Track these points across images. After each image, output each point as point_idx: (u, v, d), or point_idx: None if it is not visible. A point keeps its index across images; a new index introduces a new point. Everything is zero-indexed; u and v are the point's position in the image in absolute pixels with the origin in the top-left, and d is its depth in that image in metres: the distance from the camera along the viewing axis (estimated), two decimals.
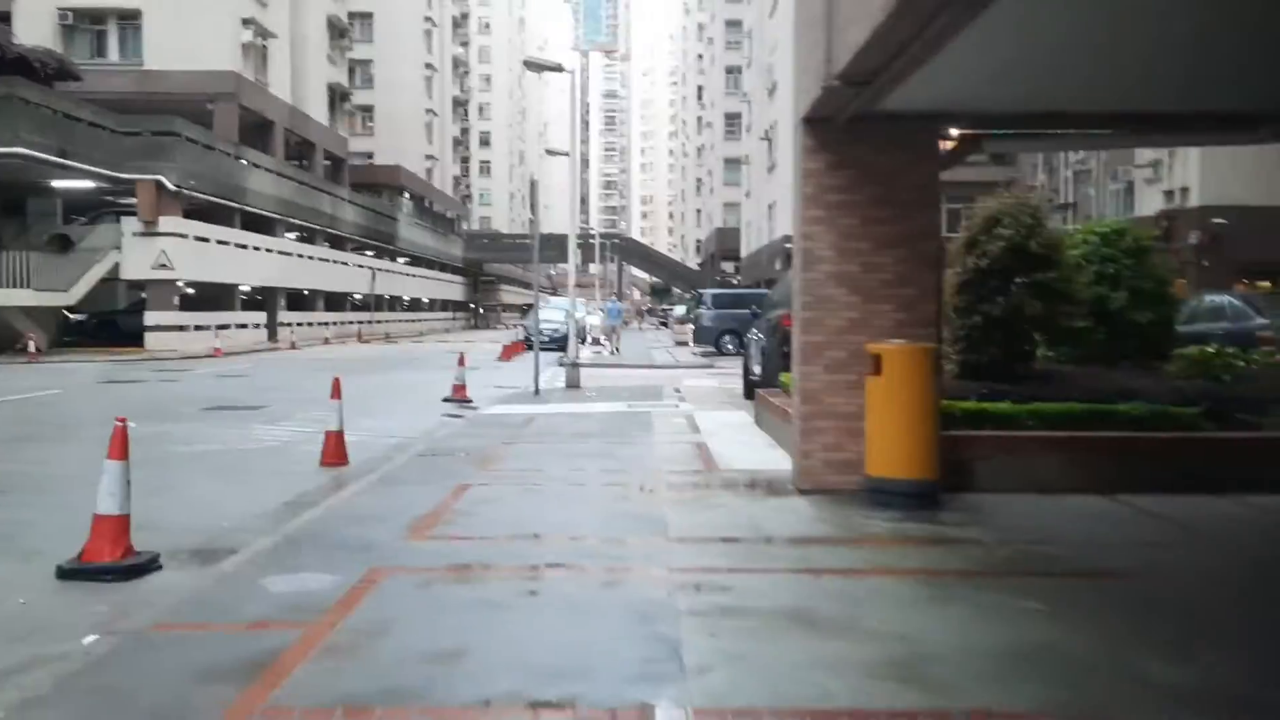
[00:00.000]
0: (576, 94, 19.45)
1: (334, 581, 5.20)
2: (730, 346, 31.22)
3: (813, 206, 7.66)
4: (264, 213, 38.43)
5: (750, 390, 16.08)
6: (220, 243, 34.47)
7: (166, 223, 31.17)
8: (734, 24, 66.29)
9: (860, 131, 7.54)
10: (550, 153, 32.46)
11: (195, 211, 34.12)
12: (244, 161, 36.76)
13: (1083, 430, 7.96)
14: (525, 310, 52.61)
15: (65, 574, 5.40)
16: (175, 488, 8.51)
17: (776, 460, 9.30)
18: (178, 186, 31.43)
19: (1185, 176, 29.73)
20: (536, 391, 16.57)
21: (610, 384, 19.12)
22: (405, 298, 61.65)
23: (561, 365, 21.99)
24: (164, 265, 30.97)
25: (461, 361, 16.26)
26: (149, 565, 5.51)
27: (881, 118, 7.33)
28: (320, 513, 7.09)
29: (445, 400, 15.95)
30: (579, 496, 7.67)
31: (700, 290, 37.13)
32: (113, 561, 5.41)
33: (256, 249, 37.68)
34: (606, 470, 8.85)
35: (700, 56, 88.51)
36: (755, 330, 15.80)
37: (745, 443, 10.60)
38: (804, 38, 7.41)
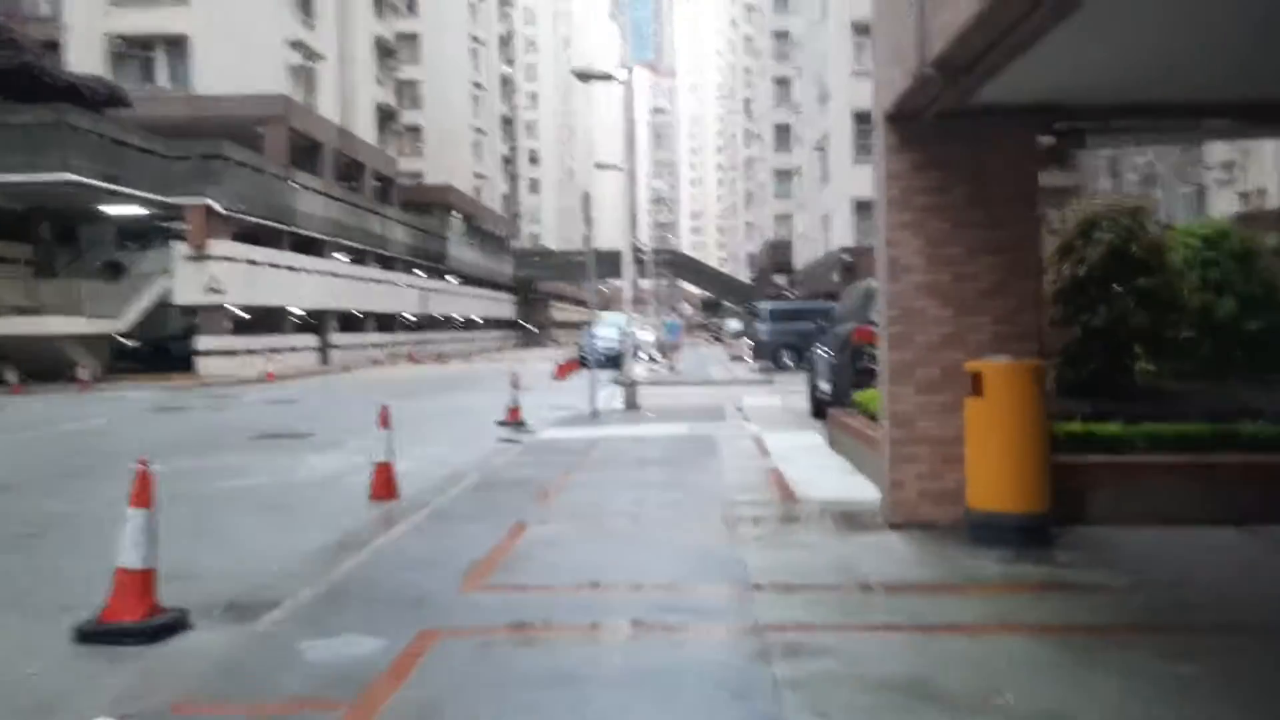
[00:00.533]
0: (630, 102, 18.91)
1: (380, 647, 4.58)
2: (789, 362, 30.43)
3: (899, 211, 6.94)
4: (314, 234, 38.47)
5: (818, 409, 15.32)
6: (271, 265, 34.50)
7: (216, 246, 31.20)
8: (782, 35, 65.54)
9: (951, 127, 6.82)
10: (600, 166, 32.00)
11: (245, 235, 34.18)
12: (293, 184, 36.82)
13: (1204, 454, 7.12)
14: (580, 327, 52.06)
15: (84, 636, 4.86)
16: (215, 529, 8.01)
17: (859, 488, 8.56)
18: (227, 210, 31.47)
19: (1261, 177, 28.36)
20: (594, 414, 15.97)
21: (669, 403, 18.45)
22: (457, 317, 61.63)
23: (618, 384, 21.42)
24: (214, 290, 30.98)
25: (516, 384, 15.72)
26: (176, 625, 4.95)
27: (976, 112, 6.60)
28: (367, 556, 6.50)
29: (499, 424, 15.39)
30: (646, 535, 7.01)
31: (756, 304, 36.34)
32: (136, 622, 4.85)
33: (307, 271, 37.69)
34: (674, 502, 8.18)
35: (748, 70, 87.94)
36: (822, 345, 15.05)
37: (821, 467, 9.87)
38: (887, 24, 6.72)
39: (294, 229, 36.75)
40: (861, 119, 36.71)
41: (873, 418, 9.82)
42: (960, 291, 6.92)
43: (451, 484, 9.65)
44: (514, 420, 15.49)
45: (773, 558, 6.20)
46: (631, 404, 17.33)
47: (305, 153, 39.64)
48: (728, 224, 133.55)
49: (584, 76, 17.86)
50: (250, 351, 32.96)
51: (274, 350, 34.48)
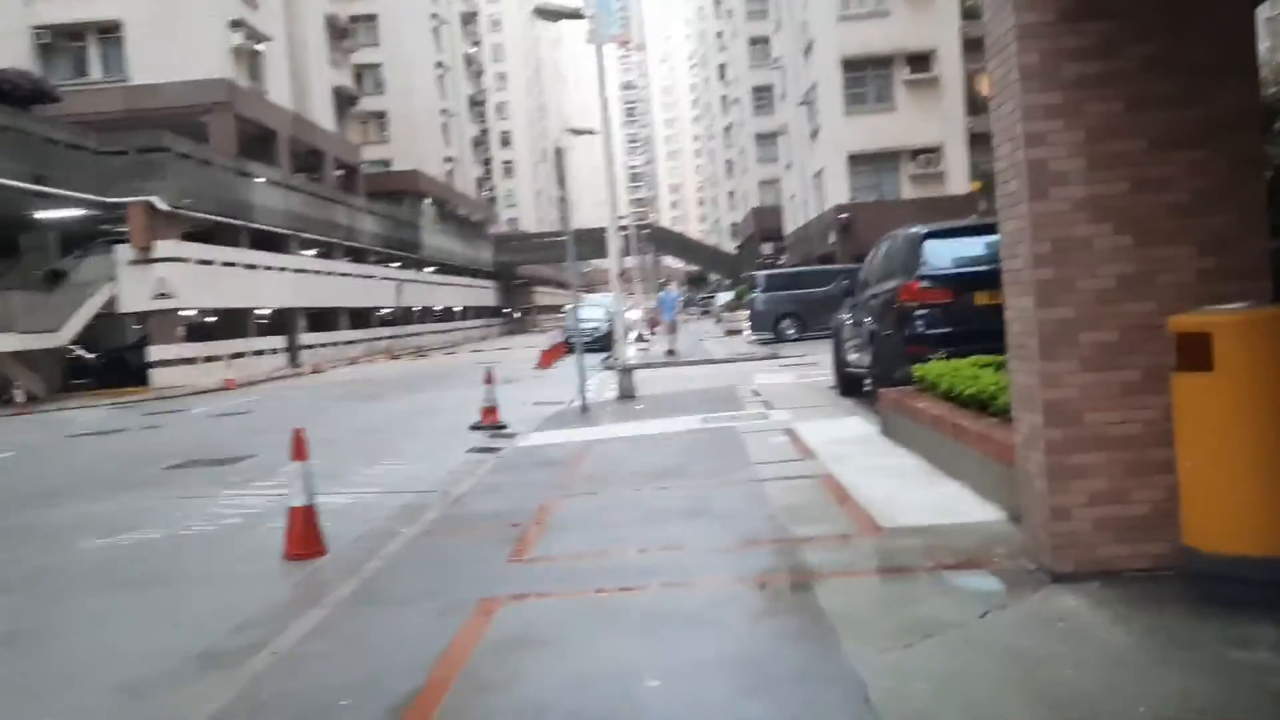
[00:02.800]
0: (602, 64, 16.37)
1: None
2: (791, 331, 28.04)
3: (1041, 88, 4.45)
4: (274, 229, 35.73)
5: (848, 385, 12.91)
6: (227, 265, 31.81)
7: (163, 247, 28.49)
8: None
9: None
10: (575, 131, 29.32)
11: (199, 234, 31.52)
12: (246, 175, 34.03)
13: None
14: (563, 311, 49.27)
15: None
16: (39, 630, 5.51)
17: (959, 502, 6.12)
18: (173, 207, 28.73)
19: None
20: (584, 408, 13.47)
21: (670, 388, 15.99)
22: (436, 308, 58.92)
23: (609, 369, 18.98)
24: (164, 294, 28.29)
25: (489, 379, 13.22)
26: None
27: None
28: (235, 696, 4.02)
29: (473, 428, 12.94)
30: (680, 611, 4.54)
31: (752, 272, 33.87)
32: None
33: (269, 269, 35.01)
34: (708, 543, 5.72)
35: (720, 34, 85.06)
36: (850, 310, 12.58)
37: (890, 471, 7.41)
38: None
39: (251, 224, 34.00)
40: (851, 67, 34.07)
41: (954, 399, 7.38)
42: (1145, 208, 4.45)
43: (404, 521, 7.19)
44: (490, 423, 13.03)
45: (901, 667, 3.73)
46: (627, 393, 14.85)
47: (258, 142, 36.81)
48: (708, 195, 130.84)
49: (548, 15, 15.32)
50: (210, 358, 30.32)
51: (236, 355, 31.86)
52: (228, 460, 11.93)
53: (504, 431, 12.59)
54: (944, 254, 9.86)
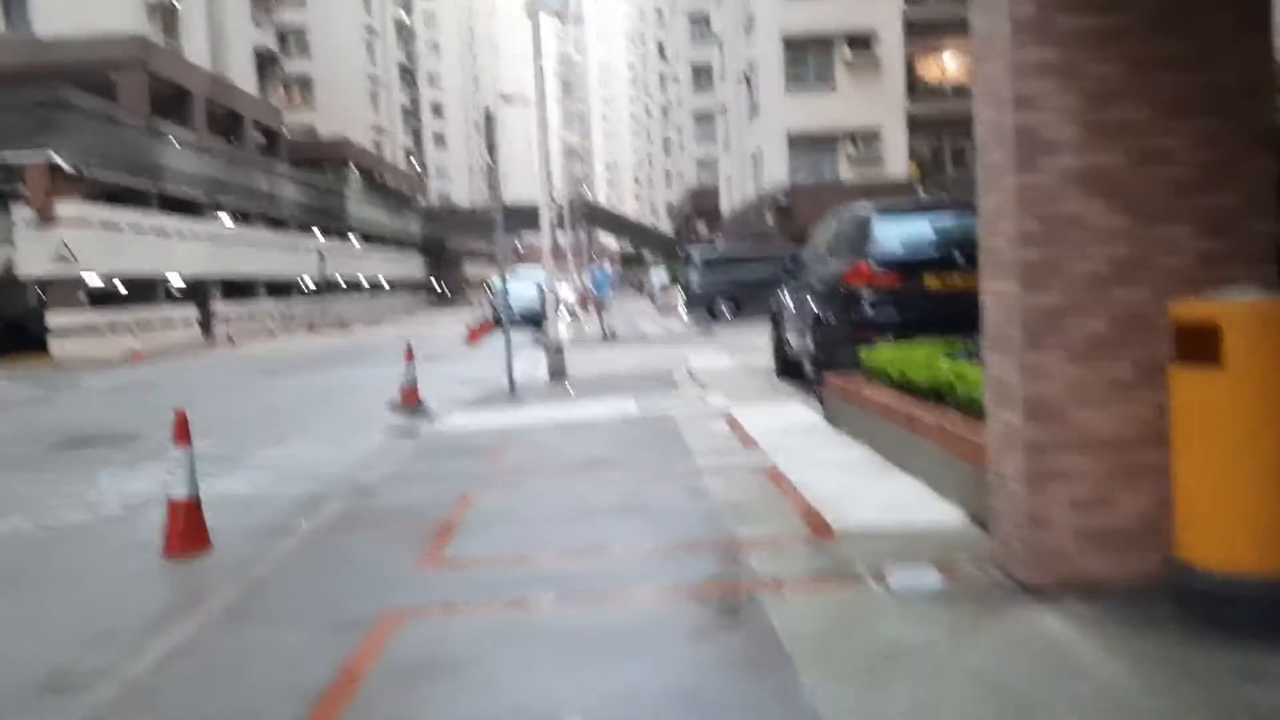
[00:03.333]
0: (537, 26, 15.58)
1: None
2: (726, 313, 27.61)
3: (1035, 43, 3.92)
4: (188, 194, 34.09)
5: (786, 367, 12.46)
6: (135, 229, 30.18)
7: (65, 208, 26.84)
8: None
9: None
10: (505, 98, 28.36)
11: (108, 196, 29.86)
12: (158, 136, 32.32)
13: None
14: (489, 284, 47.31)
15: None
16: None
17: (914, 498, 5.65)
18: (76, 167, 27.09)
19: None
20: (512, 389, 12.78)
21: (603, 369, 15.38)
22: (363, 280, 57.30)
23: (538, 344, 18.30)
24: (65, 258, 26.69)
25: (409, 355, 12.45)
26: None
27: None
28: None
29: (391, 409, 12.18)
30: (611, 630, 3.95)
31: (688, 250, 33.35)
32: None
33: (182, 235, 33.38)
34: (643, 546, 5.14)
35: (659, 10, 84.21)
36: (791, 291, 12.11)
37: (837, 464, 6.91)
38: None
39: (163, 188, 32.35)
40: (792, 45, 33.63)
41: (905, 388, 6.91)
42: (1144, 182, 3.95)
43: (304, 513, 6.48)
44: (410, 403, 12.28)
45: (869, 706, 3.19)
46: (558, 372, 14.20)
47: (172, 103, 35.01)
48: (644, 175, 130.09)
49: None
50: (116, 328, 28.77)
51: (144, 325, 30.31)
52: (116, 440, 10.99)
53: (424, 413, 11.87)
54: (894, 235, 9.41)
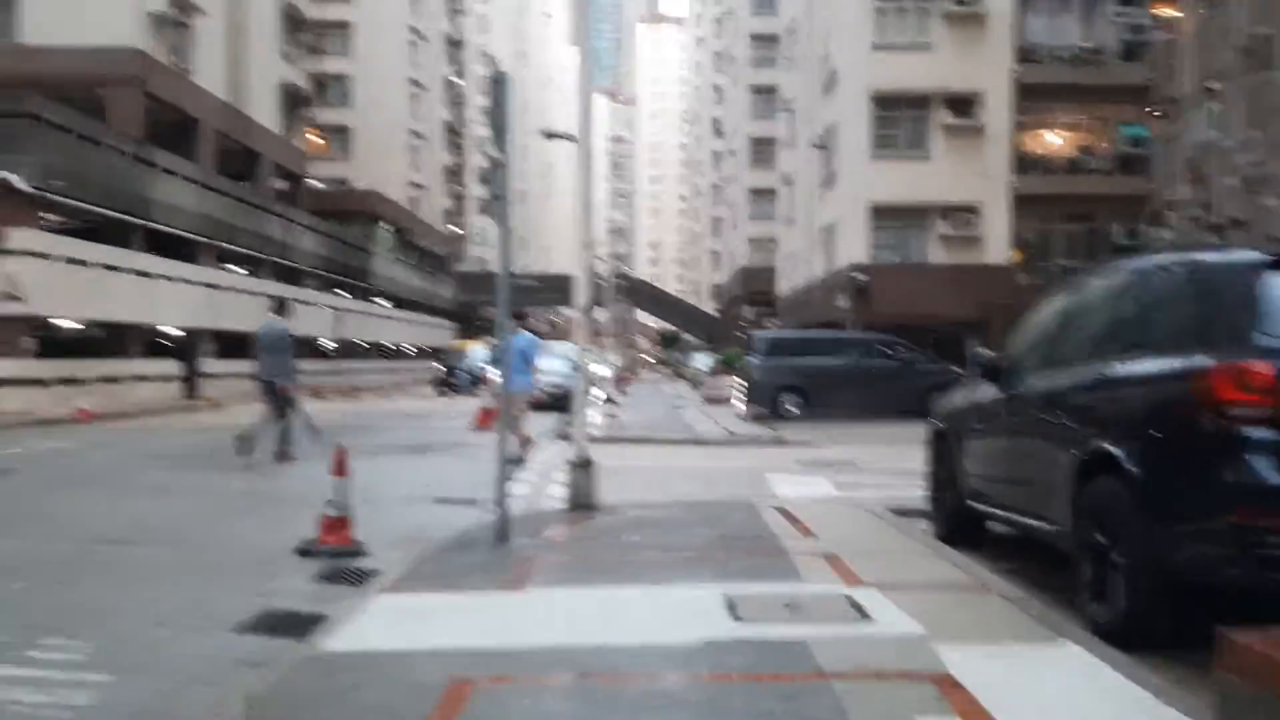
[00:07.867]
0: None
1: None
2: (793, 409, 22.62)
3: None
4: (180, 232, 29.91)
5: (955, 527, 7.50)
6: (108, 268, 25.88)
7: (19, 237, 22.57)
8: (761, 38, 58.79)
9: None
10: (549, 135, 23.96)
11: (84, 232, 25.77)
12: (148, 163, 28.26)
13: None
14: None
15: None
16: None
17: None
18: (37, 188, 22.90)
19: None
20: (501, 532, 7.66)
21: (649, 492, 10.41)
22: (388, 344, 52.96)
23: (560, 438, 13.45)
24: (10, 295, 22.31)
25: (340, 469, 7.50)
26: None
27: None
28: None
29: (301, 553, 7.27)
30: None
31: (751, 333, 28.49)
32: None
33: (169, 279, 29.13)
34: None
35: (717, 87, 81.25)
36: (988, 405, 7.08)
37: None
38: None
39: (150, 223, 28.20)
40: (883, 103, 29.04)
41: None
42: None
43: None
44: (334, 541, 7.36)
45: None
46: (583, 500, 9.12)
47: (174, 130, 31.03)
48: (689, 255, 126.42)
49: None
50: (68, 381, 24.25)
51: (109, 380, 25.84)
52: None
53: (351, 567, 6.93)
54: None
